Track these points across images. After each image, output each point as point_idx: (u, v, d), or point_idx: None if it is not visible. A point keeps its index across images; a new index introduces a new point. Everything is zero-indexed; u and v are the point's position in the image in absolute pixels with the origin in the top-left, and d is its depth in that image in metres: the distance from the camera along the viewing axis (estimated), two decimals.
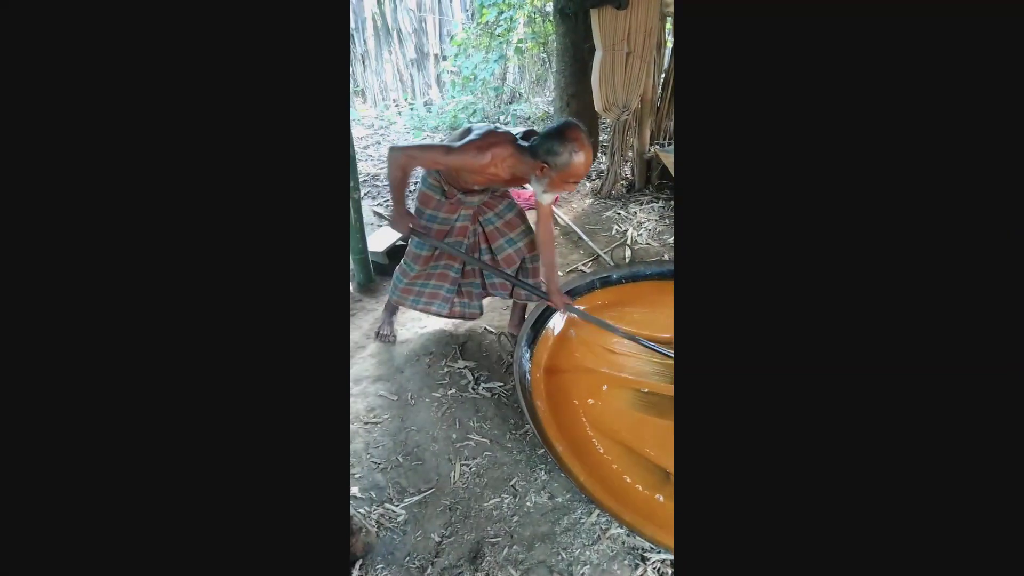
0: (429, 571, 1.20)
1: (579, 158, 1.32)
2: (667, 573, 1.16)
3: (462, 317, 1.90)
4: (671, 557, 1.18)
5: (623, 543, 1.23)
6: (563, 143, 1.32)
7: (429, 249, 1.72)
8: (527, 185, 1.50)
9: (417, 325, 2.07)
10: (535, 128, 1.52)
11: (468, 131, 1.49)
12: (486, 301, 2.06)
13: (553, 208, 2.89)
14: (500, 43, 4.54)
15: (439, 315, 1.87)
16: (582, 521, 1.28)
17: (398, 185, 1.53)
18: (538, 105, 4.77)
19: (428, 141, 1.53)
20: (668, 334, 1.67)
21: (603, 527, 1.26)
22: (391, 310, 2.00)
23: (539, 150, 1.35)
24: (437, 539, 1.27)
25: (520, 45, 4.52)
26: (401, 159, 1.48)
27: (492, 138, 1.41)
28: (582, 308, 1.70)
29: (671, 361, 1.62)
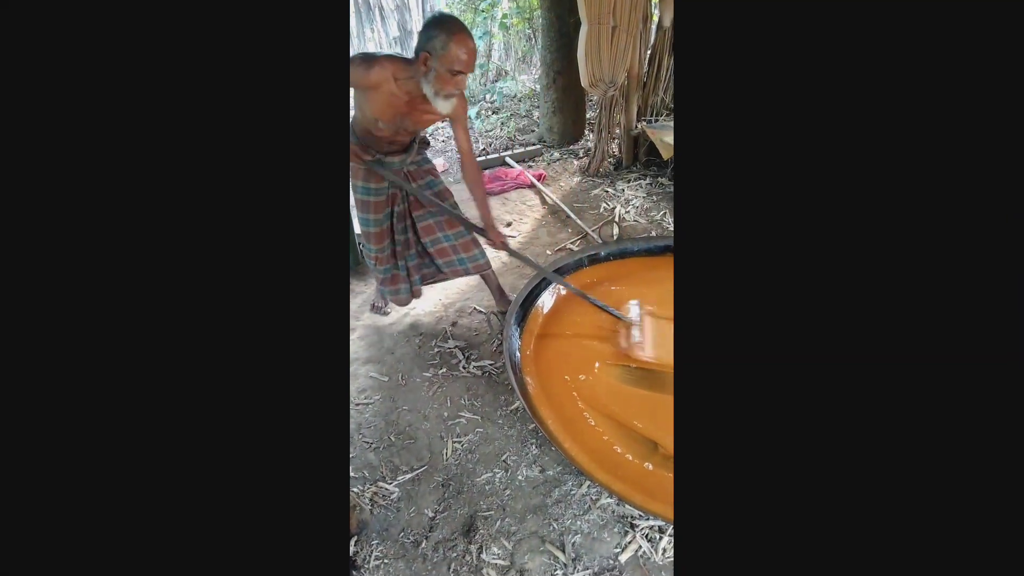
0: (423, 545, 1.22)
1: (456, 40, 1.29)
2: (655, 539, 1.20)
3: (398, 304, 1.90)
4: (660, 523, 1.21)
5: (613, 512, 1.26)
6: (438, 26, 1.30)
7: (375, 224, 1.67)
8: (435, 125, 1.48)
9: (406, 306, 2.06)
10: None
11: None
12: (473, 281, 2.06)
13: (540, 186, 2.88)
14: (484, 19, 4.44)
15: (412, 298, 1.87)
16: (573, 492, 1.31)
17: None
18: (524, 83, 4.70)
19: None
20: (659, 310, 1.68)
21: (593, 498, 1.29)
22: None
23: (418, 44, 1.34)
24: (431, 514, 1.29)
25: (505, 21, 4.43)
26: None
27: (375, 54, 1.41)
28: (523, 253, 1.68)
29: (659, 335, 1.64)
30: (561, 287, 1.70)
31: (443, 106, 1.40)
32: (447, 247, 1.75)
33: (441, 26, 1.30)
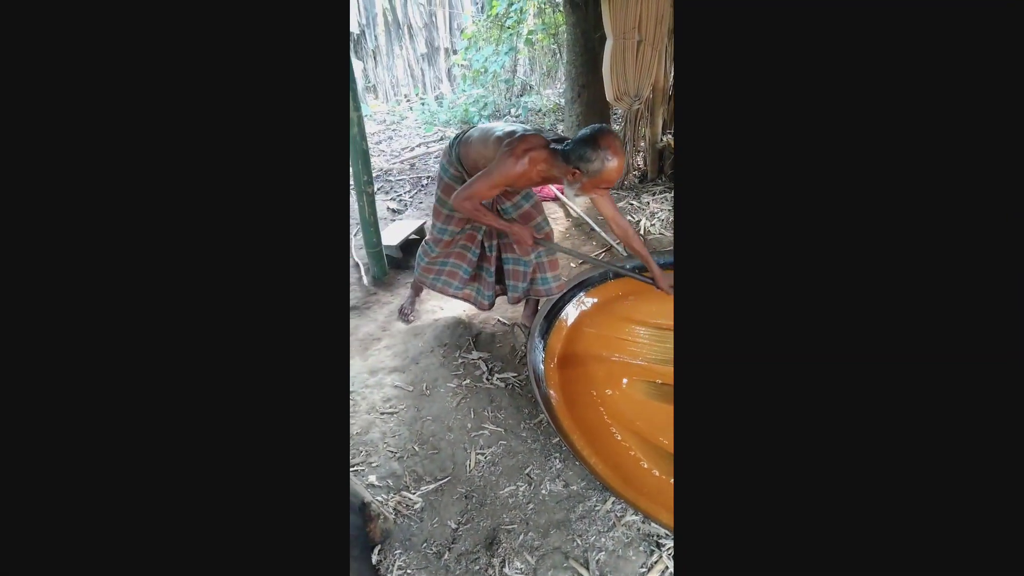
0: (446, 557, 1.22)
1: (611, 164, 1.32)
2: None
3: (473, 303, 1.93)
4: None
5: (638, 530, 1.23)
6: (596, 150, 1.31)
7: (450, 235, 1.76)
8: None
9: (431, 317, 2.09)
10: (551, 127, 1.53)
11: (493, 134, 1.51)
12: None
13: (564, 199, 2.89)
14: (510, 35, 4.52)
15: (455, 296, 1.91)
16: (597, 508, 1.29)
17: (487, 219, 1.55)
18: (549, 97, 4.75)
19: (469, 180, 1.52)
20: None
21: (618, 514, 1.27)
22: (416, 289, 2.08)
23: (571, 155, 1.35)
24: (453, 526, 1.29)
25: (530, 37, 4.50)
26: (466, 207, 1.50)
27: (525, 144, 1.41)
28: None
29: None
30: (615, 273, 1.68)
31: (580, 201, 1.47)
32: (521, 271, 1.79)
33: (596, 149, 1.31)
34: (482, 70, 4.72)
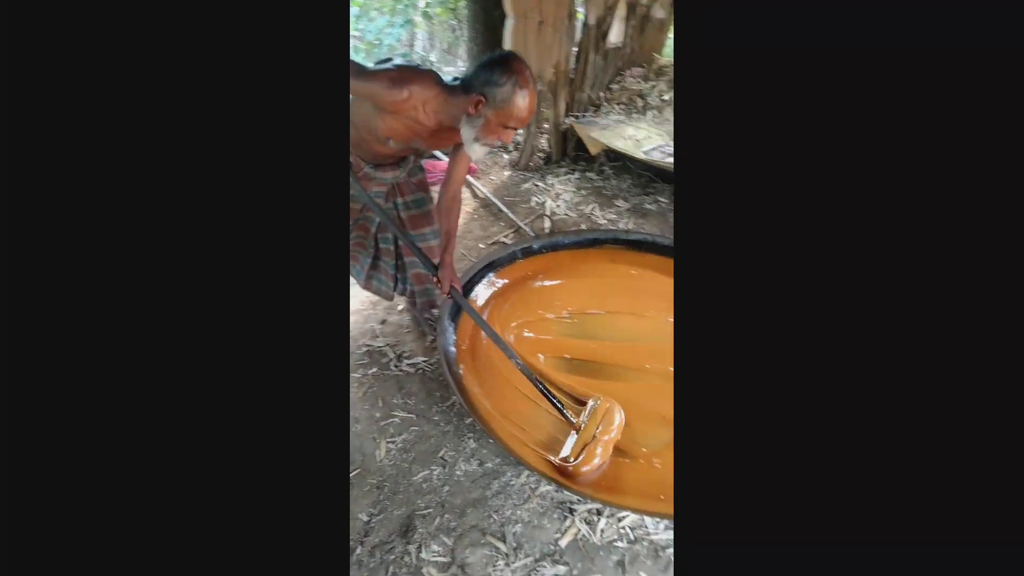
0: (359, 552, 1.17)
1: (523, 94, 1.08)
2: (594, 521, 1.23)
3: (377, 293, 1.75)
4: (597, 506, 1.25)
5: (552, 499, 1.27)
6: (508, 74, 1.07)
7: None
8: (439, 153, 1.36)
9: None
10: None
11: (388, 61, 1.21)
12: None
13: (471, 179, 2.85)
14: (405, 7, 4.31)
15: (356, 281, 1.71)
16: (512, 483, 1.31)
17: None
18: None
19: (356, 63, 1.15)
20: (591, 308, 1.73)
21: (532, 487, 1.30)
22: None
23: (475, 81, 1.10)
24: (365, 518, 1.24)
25: (427, 10, 4.33)
26: None
27: (412, 72, 1.14)
28: (468, 301, 1.51)
29: (593, 326, 1.69)
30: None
31: (477, 152, 1.18)
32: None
33: (509, 73, 1.07)
34: (376, 42, 4.45)
